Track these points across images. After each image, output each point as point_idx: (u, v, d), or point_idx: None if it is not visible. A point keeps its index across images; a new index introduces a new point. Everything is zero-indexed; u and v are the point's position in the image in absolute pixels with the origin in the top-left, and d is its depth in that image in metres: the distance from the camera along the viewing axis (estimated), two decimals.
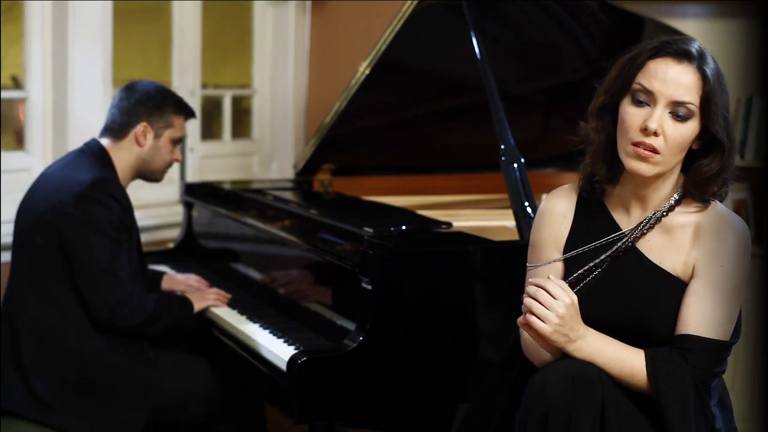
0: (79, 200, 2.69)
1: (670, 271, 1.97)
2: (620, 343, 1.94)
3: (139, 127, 2.87)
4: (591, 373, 1.87)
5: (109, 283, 2.69)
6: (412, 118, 3.61)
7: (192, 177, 4.23)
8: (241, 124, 4.70)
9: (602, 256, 2.00)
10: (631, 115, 1.93)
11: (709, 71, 1.91)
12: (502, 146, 2.69)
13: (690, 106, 1.90)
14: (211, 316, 2.94)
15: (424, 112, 3.61)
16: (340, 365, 2.36)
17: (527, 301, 1.90)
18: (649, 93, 1.92)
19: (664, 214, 1.98)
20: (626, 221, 2.02)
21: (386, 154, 3.66)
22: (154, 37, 4.25)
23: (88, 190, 2.70)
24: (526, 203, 2.60)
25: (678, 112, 1.90)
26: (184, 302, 2.92)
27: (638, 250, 1.99)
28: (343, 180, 3.57)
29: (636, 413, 1.91)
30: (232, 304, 2.97)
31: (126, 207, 2.79)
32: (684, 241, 1.97)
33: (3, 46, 3.57)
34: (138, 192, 4.00)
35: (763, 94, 3.99)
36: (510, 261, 2.51)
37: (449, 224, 2.75)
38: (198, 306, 2.94)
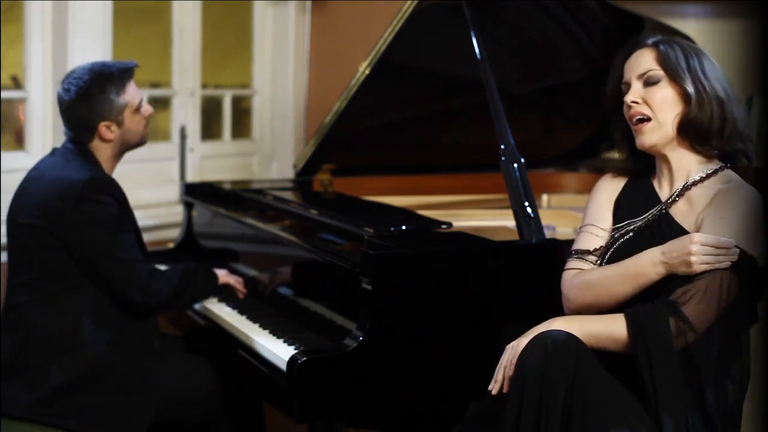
0: (77, 204, 2.68)
1: (688, 229, 2.14)
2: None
3: (101, 129, 2.79)
4: (566, 342, 1.99)
5: (132, 269, 2.72)
6: (412, 118, 3.61)
7: (192, 177, 4.23)
8: (241, 124, 4.70)
9: (639, 221, 2.21)
10: (623, 104, 2.23)
11: (663, 45, 2.20)
12: (502, 146, 2.69)
13: (652, 72, 2.19)
14: (211, 315, 2.94)
15: (424, 112, 3.61)
16: (340, 365, 2.36)
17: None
18: (626, 83, 2.23)
19: (694, 184, 2.18)
20: (661, 191, 2.24)
21: (386, 154, 3.66)
22: (154, 37, 4.25)
23: (82, 191, 2.68)
24: (526, 203, 2.60)
25: (646, 81, 2.19)
26: (209, 274, 2.96)
27: (670, 215, 2.18)
28: (343, 180, 3.57)
29: (612, 383, 2.00)
30: (232, 304, 2.98)
31: (122, 201, 2.78)
32: (698, 206, 2.15)
33: (3, 46, 3.57)
34: (138, 192, 4.01)
35: (763, 94, 3.99)
36: (510, 261, 2.51)
37: (449, 224, 2.75)
38: (223, 279, 2.99)
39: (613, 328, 2.04)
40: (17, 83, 3.72)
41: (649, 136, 2.18)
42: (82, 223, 2.69)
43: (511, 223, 2.67)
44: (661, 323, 1.99)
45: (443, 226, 2.75)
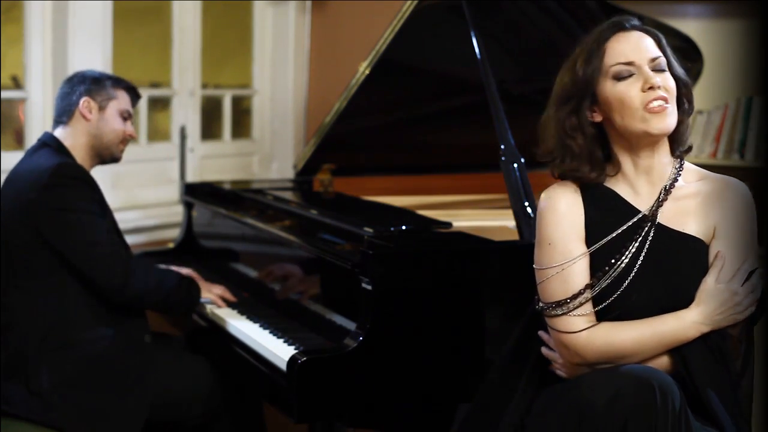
0: (46, 190, 2.69)
1: (695, 234, 2.01)
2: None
3: (82, 103, 2.86)
4: (668, 378, 1.86)
5: (107, 253, 2.72)
6: (412, 118, 3.61)
7: (192, 177, 4.23)
8: (241, 124, 4.70)
9: (631, 242, 2.01)
10: (625, 88, 2.01)
11: (653, 33, 2.07)
12: (502, 146, 2.69)
13: (661, 59, 2.03)
14: (211, 315, 2.94)
15: (425, 112, 3.61)
16: (340, 365, 2.36)
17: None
18: (629, 63, 2.02)
19: (674, 183, 2.04)
20: (638, 200, 2.05)
21: (386, 154, 3.66)
22: (154, 37, 4.25)
23: (51, 178, 2.70)
24: (526, 203, 2.60)
25: (658, 66, 2.02)
26: (193, 284, 2.93)
27: (663, 225, 2.02)
28: (343, 180, 3.57)
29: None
30: (232, 304, 2.97)
31: (93, 186, 2.79)
32: (695, 208, 2.03)
33: (3, 46, 3.57)
34: (138, 192, 4.01)
35: (763, 94, 3.99)
36: (510, 261, 2.50)
37: (449, 224, 2.75)
38: (204, 294, 2.95)
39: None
40: (17, 83, 3.72)
41: (671, 120, 2.00)
42: (54, 209, 2.70)
43: (511, 223, 2.67)
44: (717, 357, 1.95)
45: (443, 226, 2.75)
